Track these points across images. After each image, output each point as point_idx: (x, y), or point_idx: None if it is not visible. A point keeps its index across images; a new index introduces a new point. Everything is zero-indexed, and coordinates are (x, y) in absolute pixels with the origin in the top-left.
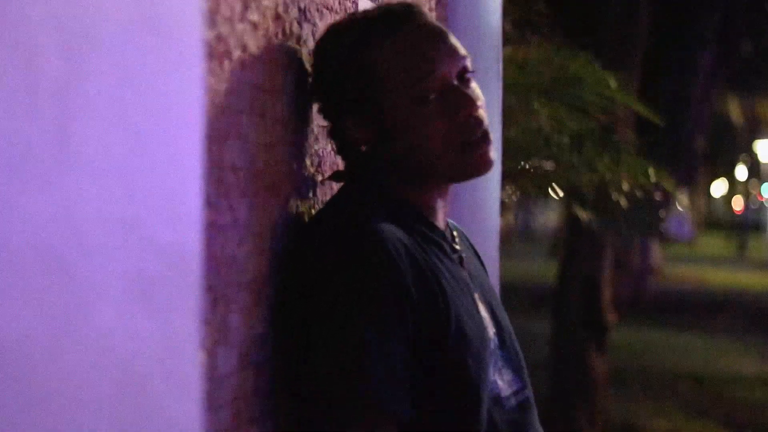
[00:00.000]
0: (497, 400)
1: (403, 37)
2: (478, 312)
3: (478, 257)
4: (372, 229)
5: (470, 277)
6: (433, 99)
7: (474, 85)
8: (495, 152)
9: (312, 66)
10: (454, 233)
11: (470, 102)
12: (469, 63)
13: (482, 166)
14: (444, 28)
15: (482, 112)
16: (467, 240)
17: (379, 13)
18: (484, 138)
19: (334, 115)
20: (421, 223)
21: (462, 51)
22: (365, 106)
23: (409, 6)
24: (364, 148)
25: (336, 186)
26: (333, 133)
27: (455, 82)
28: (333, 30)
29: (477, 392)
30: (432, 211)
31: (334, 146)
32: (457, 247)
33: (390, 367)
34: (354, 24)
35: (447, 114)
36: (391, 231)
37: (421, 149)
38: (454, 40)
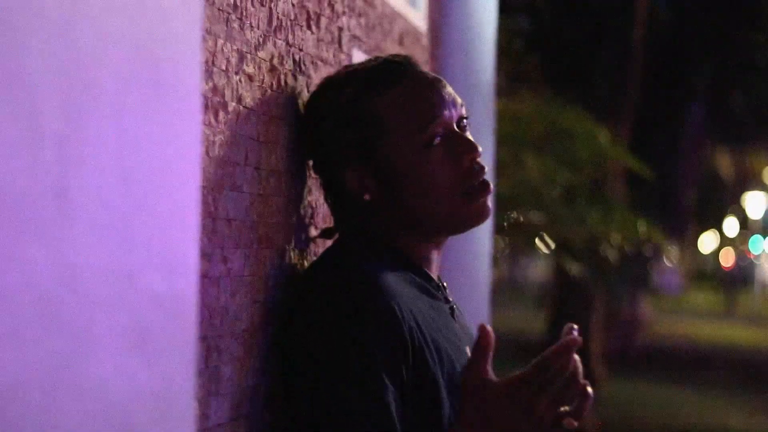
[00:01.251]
0: None
1: (406, 86)
2: None
3: (459, 311)
4: (373, 281)
5: (461, 329)
6: (437, 144)
7: (469, 132)
8: (490, 200)
9: (307, 119)
10: (445, 285)
11: (473, 147)
12: (465, 111)
13: (481, 215)
14: (440, 77)
15: (480, 159)
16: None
17: (377, 64)
18: (485, 187)
19: (333, 167)
20: (416, 273)
21: (459, 99)
22: (369, 156)
23: (407, 57)
24: (367, 197)
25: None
26: (329, 187)
27: (456, 129)
28: (330, 83)
29: None
30: (427, 261)
31: (328, 200)
32: (450, 298)
33: (386, 415)
34: (353, 76)
35: (451, 159)
36: (391, 283)
37: (426, 195)
38: (450, 88)
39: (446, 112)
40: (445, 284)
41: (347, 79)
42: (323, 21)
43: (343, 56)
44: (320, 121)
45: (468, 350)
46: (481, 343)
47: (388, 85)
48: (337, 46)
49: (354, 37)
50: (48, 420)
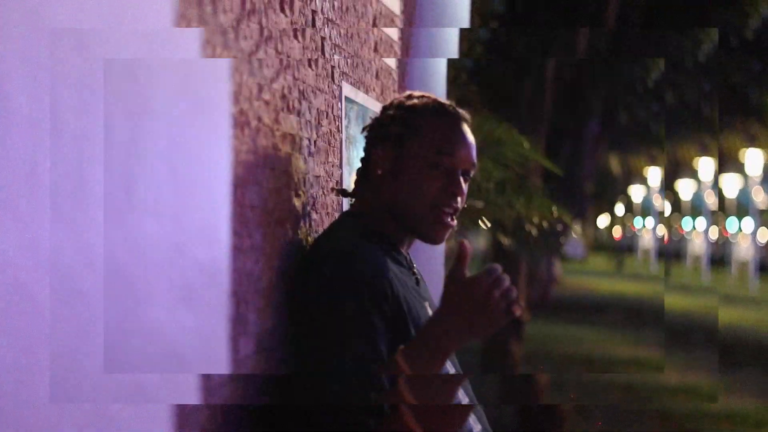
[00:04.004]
0: None
1: (451, 122)
2: None
3: (422, 279)
4: (362, 249)
5: (423, 292)
6: (441, 170)
7: (466, 185)
8: (447, 234)
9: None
10: (413, 259)
11: (460, 189)
12: (473, 171)
13: (436, 235)
14: (474, 142)
15: (460, 201)
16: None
17: (449, 104)
18: (452, 216)
19: (375, 140)
20: (392, 248)
21: (475, 161)
22: (398, 145)
23: (468, 116)
24: (379, 172)
25: (326, 219)
26: (363, 161)
27: (460, 172)
28: (411, 94)
29: None
30: (401, 241)
31: (358, 172)
32: (415, 270)
33: (373, 347)
34: (428, 98)
35: (442, 185)
36: (375, 250)
37: (409, 190)
38: (474, 152)
39: (461, 156)
40: (412, 259)
41: (423, 97)
42: (297, 4)
43: (335, 87)
44: (390, 109)
45: (428, 307)
46: (461, 253)
47: (443, 114)
48: (311, 27)
49: (328, 20)
50: (117, 352)
